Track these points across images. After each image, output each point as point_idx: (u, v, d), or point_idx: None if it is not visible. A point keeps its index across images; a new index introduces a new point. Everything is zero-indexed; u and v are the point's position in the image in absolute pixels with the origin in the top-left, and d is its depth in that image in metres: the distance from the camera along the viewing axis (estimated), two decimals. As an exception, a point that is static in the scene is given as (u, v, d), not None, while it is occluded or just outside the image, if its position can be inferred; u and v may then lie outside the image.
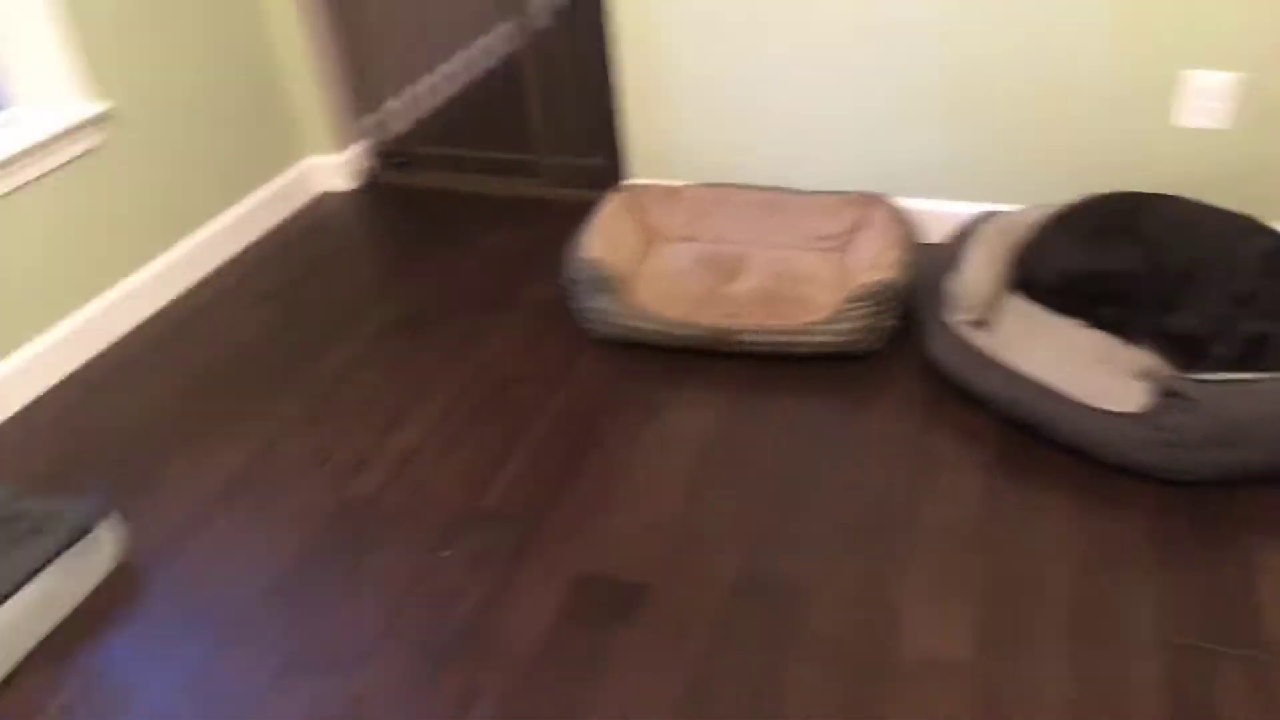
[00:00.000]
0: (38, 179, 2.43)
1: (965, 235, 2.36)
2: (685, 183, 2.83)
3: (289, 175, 3.27)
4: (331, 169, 3.37)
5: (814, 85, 2.68)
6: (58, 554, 1.83)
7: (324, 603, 1.86)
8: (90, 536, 1.89)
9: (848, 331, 2.27)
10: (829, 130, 2.73)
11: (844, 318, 2.26)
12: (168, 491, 2.16)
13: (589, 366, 2.42)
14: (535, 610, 1.81)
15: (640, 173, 2.95)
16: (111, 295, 2.67)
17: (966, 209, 2.64)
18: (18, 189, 2.38)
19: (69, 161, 2.50)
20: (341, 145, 3.35)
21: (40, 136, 2.38)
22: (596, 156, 3.19)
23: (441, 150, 3.45)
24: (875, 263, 2.40)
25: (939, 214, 2.70)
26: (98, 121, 2.55)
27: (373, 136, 3.41)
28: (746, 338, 2.32)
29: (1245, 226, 2.14)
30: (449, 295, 2.78)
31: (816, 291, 2.46)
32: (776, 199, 2.73)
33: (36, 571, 1.79)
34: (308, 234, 3.17)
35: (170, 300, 2.86)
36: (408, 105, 3.74)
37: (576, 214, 2.77)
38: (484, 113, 3.84)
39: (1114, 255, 2.19)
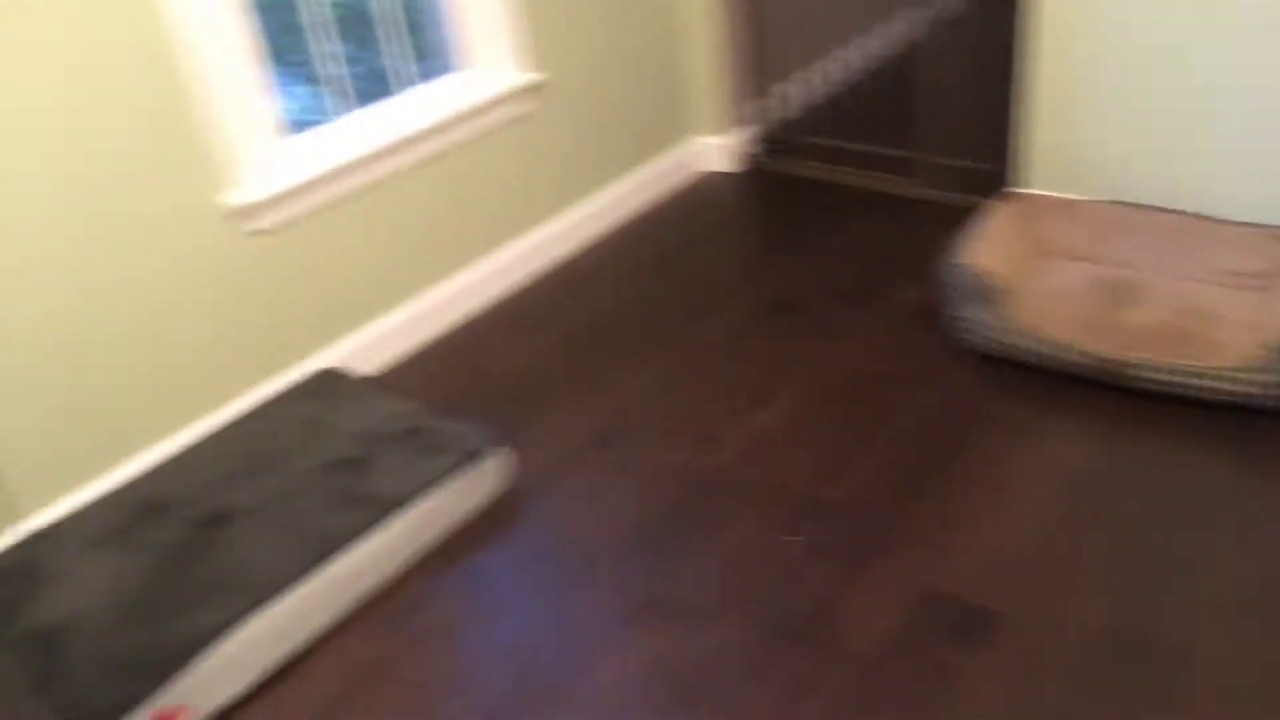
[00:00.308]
0: (479, 137, 2.73)
1: None
2: (1084, 197, 2.65)
3: (675, 153, 3.44)
4: (715, 150, 3.50)
5: (1260, 107, 2.40)
6: (454, 471, 2.06)
7: (675, 559, 1.96)
8: (482, 461, 2.11)
9: (1263, 383, 2.04)
10: (1265, 156, 2.44)
11: (1261, 367, 2.03)
12: (547, 432, 2.36)
13: (956, 376, 2.35)
14: (875, 613, 1.80)
15: (1035, 182, 2.80)
16: (513, 248, 2.95)
17: None
18: (461, 143, 2.69)
19: (504, 124, 2.78)
20: (727, 128, 3.46)
21: (487, 98, 2.67)
22: (982, 160, 3.07)
23: (823, 140, 3.46)
24: (1307, 310, 2.13)
25: (1394, 263, 2.34)
26: (533, 90, 2.81)
27: (758, 121, 3.49)
28: (1139, 373, 2.14)
29: None
30: (816, 285, 2.80)
31: (1226, 333, 2.22)
32: (1189, 226, 2.49)
33: (435, 483, 2.03)
34: (688, 210, 3.32)
35: (561, 258, 3.11)
36: (798, 91, 3.79)
37: (950, 217, 2.70)
38: (871, 105, 3.81)
39: None
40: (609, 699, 1.70)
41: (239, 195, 2.24)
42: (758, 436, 2.26)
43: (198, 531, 1.97)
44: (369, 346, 2.62)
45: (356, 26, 2.38)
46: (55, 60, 1.91)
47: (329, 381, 2.39)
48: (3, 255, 1.91)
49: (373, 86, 2.62)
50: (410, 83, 2.65)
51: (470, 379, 2.59)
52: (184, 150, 2.14)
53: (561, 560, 1.99)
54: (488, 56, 2.75)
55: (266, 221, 2.32)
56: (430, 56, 2.76)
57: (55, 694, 1.66)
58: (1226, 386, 2.07)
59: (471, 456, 2.09)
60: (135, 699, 1.62)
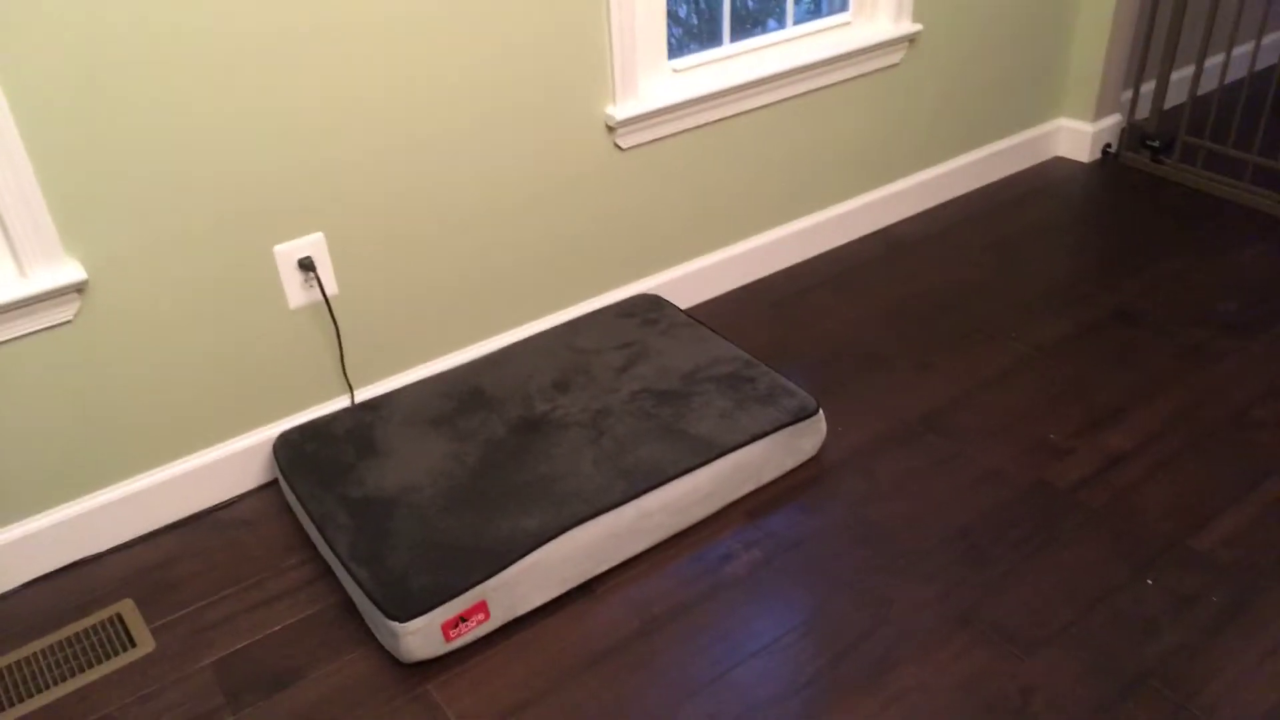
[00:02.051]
0: (841, 83, 2.58)
1: None
2: None
3: (1036, 131, 3.15)
4: (1076, 135, 3.18)
5: None
6: (782, 426, 1.96)
7: (1006, 573, 1.78)
8: (811, 420, 2.00)
9: None
10: None
11: None
12: (864, 404, 2.21)
13: (1364, 439, 2.02)
14: (1247, 687, 1.55)
15: None
16: (848, 205, 2.79)
17: None
18: (832, 85, 2.55)
19: (869, 74, 2.62)
20: (1096, 114, 3.14)
21: (863, 43, 2.51)
22: None
23: (1203, 143, 3.08)
24: None
25: None
26: (906, 41, 2.63)
27: (1132, 112, 3.14)
28: None
29: None
30: (1180, 302, 2.49)
31: None
32: None
33: (763, 434, 1.94)
34: (1036, 195, 3.04)
35: (898, 220, 2.93)
36: (1181, 85, 3.39)
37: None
38: (1265, 110, 3.36)
39: None
40: (921, 701, 1.56)
41: (618, 109, 2.20)
42: (1111, 460, 2.02)
43: (517, 432, 1.97)
44: (690, 280, 2.55)
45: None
46: (473, -57, 1.91)
47: (654, 308, 2.34)
48: (418, 125, 1.95)
49: (757, 7, 2.52)
50: (781, 17, 2.52)
51: (786, 334, 2.47)
52: (588, 55, 2.11)
53: (872, 544, 1.86)
54: (870, 0, 2.58)
55: (633, 139, 2.27)
56: (806, -9, 2.62)
57: (375, 563, 1.69)
58: None
59: (802, 414, 1.98)
60: (451, 588, 1.63)
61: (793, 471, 2.04)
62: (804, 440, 2.02)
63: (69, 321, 1.74)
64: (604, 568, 1.81)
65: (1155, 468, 1.99)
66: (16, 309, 1.66)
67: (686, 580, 1.80)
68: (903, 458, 2.06)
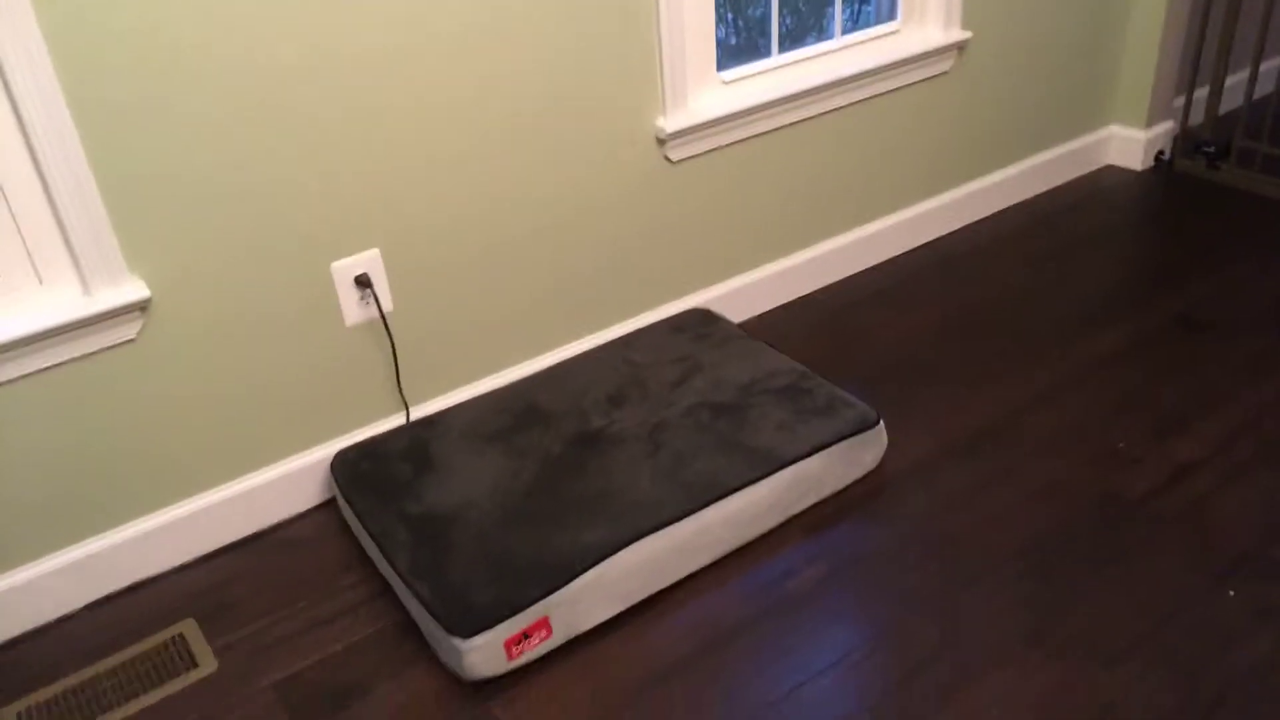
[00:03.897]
0: (891, 92, 2.55)
1: None
2: None
3: (1088, 139, 3.11)
4: (1128, 143, 3.13)
5: None
6: (843, 438, 1.93)
7: (1077, 586, 1.73)
8: (872, 431, 1.96)
9: None
10: None
11: None
12: (922, 416, 2.18)
13: None
14: (1340, 704, 1.50)
15: None
16: (900, 216, 2.76)
17: None
18: (880, 95, 2.53)
19: (918, 82, 2.59)
20: (1150, 121, 3.09)
21: (912, 52, 2.49)
22: None
23: (1260, 146, 3.01)
24: None
25: None
26: (956, 49, 2.60)
27: (1184, 117, 3.08)
28: None
29: None
30: (1243, 308, 2.43)
31: None
32: None
33: (823, 446, 1.91)
34: (1090, 203, 2.99)
35: (949, 232, 2.89)
36: (1234, 90, 3.33)
37: None
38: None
39: None
40: (994, 718, 1.52)
41: (668, 122, 2.19)
42: (1181, 469, 1.97)
43: (573, 447, 1.95)
44: (740, 294, 2.53)
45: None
46: (525, -41, 1.91)
47: (706, 322, 2.32)
48: (471, 141, 1.96)
49: (795, 24, 2.51)
50: (820, 33, 2.51)
51: (840, 347, 2.44)
52: (638, 68, 2.11)
53: (942, 560, 1.81)
54: (919, 8, 2.56)
55: (683, 152, 2.26)
56: (857, 0, 2.60)
57: (435, 579, 1.68)
58: None
59: (863, 425, 1.95)
60: (514, 604, 1.61)
61: (853, 485, 2.00)
62: (865, 452, 1.98)
63: (132, 340, 1.75)
64: (665, 583, 1.79)
65: (1228, 477, 1.94)
66: (82, 327, 1.68)
67: (749, 596, 1.77)
68: (965, 470, 2.02)
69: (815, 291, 2.67)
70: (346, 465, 1.97)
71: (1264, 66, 3.42)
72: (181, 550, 1.94)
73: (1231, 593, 1.69)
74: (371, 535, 1.82)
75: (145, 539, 1.89)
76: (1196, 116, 3.21)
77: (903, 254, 2.81)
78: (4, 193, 1.59)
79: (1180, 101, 3.20)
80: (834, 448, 1.92)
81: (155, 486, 1.88)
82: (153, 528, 1.89)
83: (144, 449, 1.84)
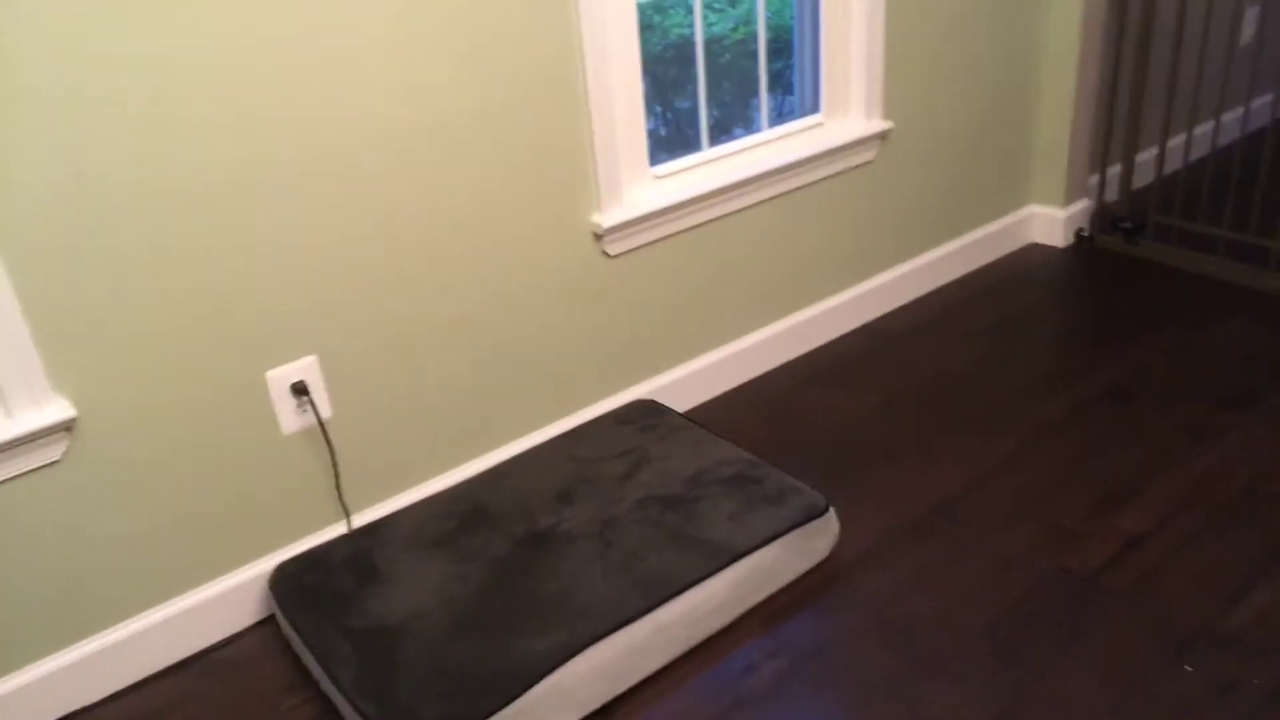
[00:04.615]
0: (816, 182, 2.61)
1: None
2: None
3: (1010, 219, 3.21)
4: (1049, 221, 3.24)
5: None
6: (795, 526, 1.91)
7: (1039, 665, 1.72)
8: (822, 519, 1.95)
9: None
10: None
11: None
12: (872, 499, 2.18)
13: (1378, 504, 2.00)
14: (1305, 774, 1.49)
15: None
16: (834, 301, 2.80)
17: None
18: (809, 185, 2.59)
19: (842, 171, 2.66)
20: (1067, 199, 3.20)
21: (836, 143, 2.56)
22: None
23: (1174, 221, 3.14)
24: None
25: None
26: (878, 138, 2.68)
27: (1101, 195, 3.21)
28: None
29: None
30: (1171, 379, 2.49)
31: None
32: None
33: (776, 536, 1.89)
34: (1017, 280, 3.07)
35: (884, 313, 2.94)
36: (1145, 166, 3.48)
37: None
38: (1230, 186, 3.45)
39: None
40: (972, 817, 1.48)
41: (604, 217, 2.21)
42: (1129, 542, 1.98)
43: (522, 548, 1.91)
44: (683, 383, 2.53)
45: (711, 61, 2.34)
46: (482, 70, 1.93)
47: (651, 413, 2.30)
48: (407, 245, 1.94)
49: (722, 116, 2.56)
50: (755, 121, 2.57)
51: (785, 432, 2.44)
52: (570, 165, 2.13)
53: (899, 647, 1.79)
54: (841, 101, 2.64)
55: (620, 246, 2.28)
56: (777, 92, 2.67)
57: (382, 698, 1.61)
58: None
59: (814, 513, 1.94)
60: (465, 719, 1.55)
61: (808, 573, 1.98)
62: (817, 540, 1.97)
63: (57, 461, 1.68)
64: (623, 688, 1.74)
65: (1176, 548, 1.96)
66: (3, 450, 1.60)
67: (710, 696, 1.73)
68: (918, 551, 2.01)
69: (758, 377, 2.68)
70: (286, 579, 1.90)
71: (1171, 143, 3.58)
72: (116, 677, 1.84)
73: (1189, 668, 1.69)
74: (314, 653, 1.74)
75: (76, 667, 1.79)
76: (1111, 193, 3.34)
77: (841, 336, 2.85)
78: (-81, 314, 1.52)
79: (1095, 179, 3.33)
80: (786, 537, 1.90)
81: (85, 612, 1.79)
82: (83, 655, 1.79)
83: (71, 574, 1.75)
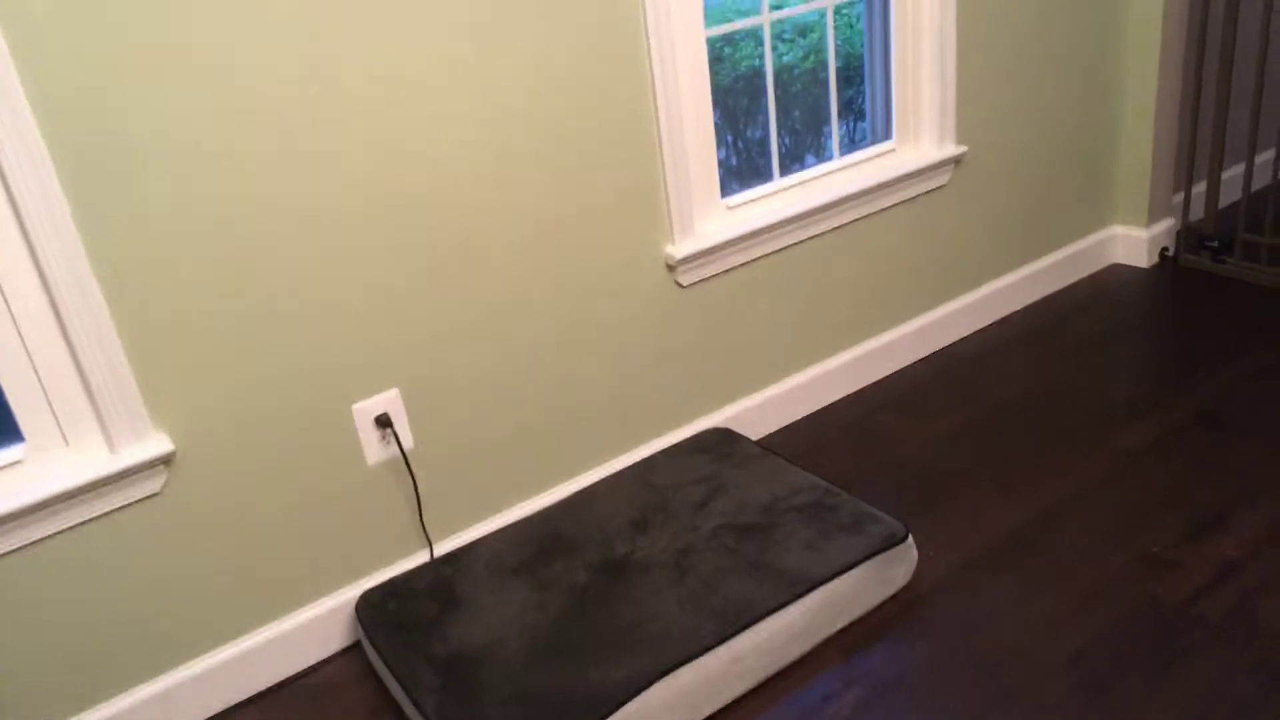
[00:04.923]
0: (890, 208, 2.61)
1: None
2: None
3: (1091, 240, 3.15)
4: (1132, 241, 3.17)
5: None
6: (873, 554, 1.90)
7: (1131, 699, 1.67)
8: (901, 547, 1.93)
9: None
10: None
11: None
12: (951, 526, 2.15)
13: None
14: None
15: None
16: (910, 326, 2.78)
17: None
18: (881, 211, 2.58)
19: (917, 196, 2.65)
20: (1149, 219, 3.13)
21: (909, 169, 2.55)
22: None
23: (1263, 239, 3.04)
24: None
25: None
26: (952, 163, 2.66)
27: (1185, 214, 3.13)
28: None
29: None
30: (1263, 402, 2.41)
31: None
32: None
33: (853, 564, 1.88)
34: (1099, 302, 3.01)
35: (960, 338, 2.90)
36: (1232, 183, 3.38)
37: None
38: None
39: None
40: None
41: (676, 248, 2.24)
42: (1224, 569, 1.92)
43: (599, 577, 1.93)
44: (757, 411, 2.54)
45: (782, 91, 2.36)
46: (557, 107, 1.98)
47: (725, 441, 2.31)
48: (487, 278, 2.00)
49: (793, 144, 2.58)
50: (826, 149, 2.58)
51: (861, 459, 2.43)
52: (646, 197, 2.17)
53: (984, 678, 1.76)
54: (913, 126, 2.63)
55: (692, 276, 2.30)
56: (849, 119, 2.68)
57: (466, 722, 1.64)
58: None
59: (892, 541, 1.92)
60: (547, 744, 1.57)
61: (886, 602, 1.96)
62: (895, 569, 1.95)
63: (156, 494, 1.75)
64: (701, 716, 1.74)
65: (1272, 575, 1.89)
66: (108, 484, 1.68)
67: (789, 725, 1.72)
68: (999, 581, 1.98)
69: (832, 404, 2.67)
70: (371, 607, 1.95)
71: (1258, 159, 3.48)
72: (208, 704, 1.90)
73: (1288, 698, 1.63)
74: (398, 680, 1.78)
75: (171, 694, 1.86)
76: (1197, 212, 3.25)
77: (917, 362, 2.82)
78: (31, 357, 1.62)
79: (1180, 198, 3.25)
80: (864, 565, 1.89)
81: (179, 640, 1.86)
82: (177, 682, 1.86)
83: (167, 602, 1.83)
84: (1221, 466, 2.22)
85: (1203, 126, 3.22)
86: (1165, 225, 3.19)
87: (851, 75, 2.63)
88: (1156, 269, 3.17)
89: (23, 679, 1.72)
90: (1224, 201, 3.42)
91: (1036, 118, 2.85)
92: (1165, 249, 3.21)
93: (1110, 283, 3.13)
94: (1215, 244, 3.08)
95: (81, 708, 1.79)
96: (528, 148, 1.99)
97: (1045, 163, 2.92)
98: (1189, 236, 3.16)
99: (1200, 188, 3.29)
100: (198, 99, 1.63)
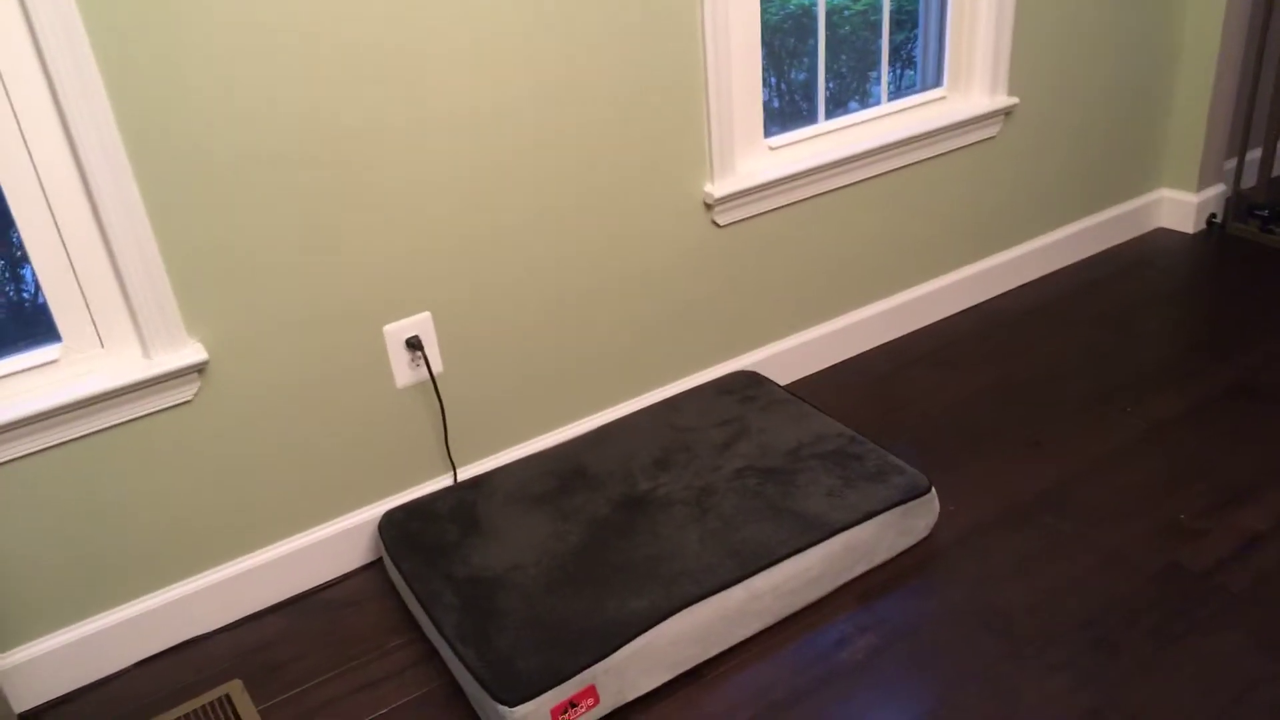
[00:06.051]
0: (936, 157, 2.56)
1: None
2: None
3: (1138, 202, 3.09)
4: (1179, 206, 3.10)
5: None
6: (895, 504, 1.90)
7: (1141, 663, 1.68)
8: (924, 499, 1.93)
9: None
10: None
11: None
12: (976, 482, 2.14)
13: None
14: None
15: None
16: (947, 279, 2.74)
17: None
18: (927, 160, 2.54)
19: (963, 147, 2.60)
20: (1199, 184, 3.06)
21: (957, 118, 2.50)
22: None
23: (1318, 212, 2.97)
24: None
25: None
26: (1003, 114, 2.61)
27: (1234, 181, 3.05)
28: None
29: None
30: (1306, 376, 2.38)
31: None
32: None
33: (875, 513, 1.88)
34: (1141, 266, 2.96)
35: (999, 294, 2.87)
36: (1283, 155, 3.30)
37: None
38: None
39: None
40: (1063, 807, 1.46)
41: (715, 187, 2.21)
42: (1248, 540, 1.91)
43: (620, 510, 1.94)
44: (787, 356, 2.52)
45: (831, 32, 2.31)
46: (601, 37, 1.95)
47: (753, 384, 2.31)
48: (522, 208, 1.99)
49: (838, 89, 2.53)
50: (873, 95, 2.52)
51: (890, 410, 2.42)
52: (687, 134, 2.14)
53: (998, 633, 1.77)
54: (965, 74, 2.57)
55: (730, 216, 2.28)
56: (897, 66, 2.62)
57: (482, 645, 1.66)
58: None
59: (916, 492, 1.92)
60: (560, 671, 1.59)
61: (904, 553, 1.97)
62: (916, 520, 1.95)
63: (189, 401, 1.78)
64: (714, 652, 1.76)
65: (1296, 550, 1.88)
66: (142, 389, 1.70)
67: (801, 666, 1.74)
68: (1020, 539, 1.98)
69: (863, 354, 2.66)
70: (394, 525, 1.98)
71: (1317, 129, 3.38)
72: (230, 609, 1.95)
73: (1304, 672, 1.62)
74: (418, 598, 1.81)
75: (195, 598, 1.90)
76: (1249, 179, 3.17)
77: (952, 316, 2.79)
78: (71, 259, 1.63)
79: (1232, 164, 3.17)
80: (885, 515, 1.89)
81: (205, 545, 1.90)
82: (202, 586, 1.90)
83: (196, 508, 1.86)
84: (1255, 438, 2.19)
85: (1263, 90, 3.12)
86: (1215, 191, 3.12)
87: (904, 19, 2.57)
88: (1202, 235, 3.10)
89: (46, 578, 1.77)
90: (1278, 169, 3.33)
91: (1091, 73, 2.77)
92: (1213, 215, 3.14)
93: (1154, 247, 3.07)
94: (1265, 212, 3.01)
95: (113, 604, 1.84)
96: (568, 76, 1.96)
97: (1096, 121, 2.85)
98: (1239, 204, 3.09)
99: (1255, 154, 3.21)
100: (241, 4, 1.61)
